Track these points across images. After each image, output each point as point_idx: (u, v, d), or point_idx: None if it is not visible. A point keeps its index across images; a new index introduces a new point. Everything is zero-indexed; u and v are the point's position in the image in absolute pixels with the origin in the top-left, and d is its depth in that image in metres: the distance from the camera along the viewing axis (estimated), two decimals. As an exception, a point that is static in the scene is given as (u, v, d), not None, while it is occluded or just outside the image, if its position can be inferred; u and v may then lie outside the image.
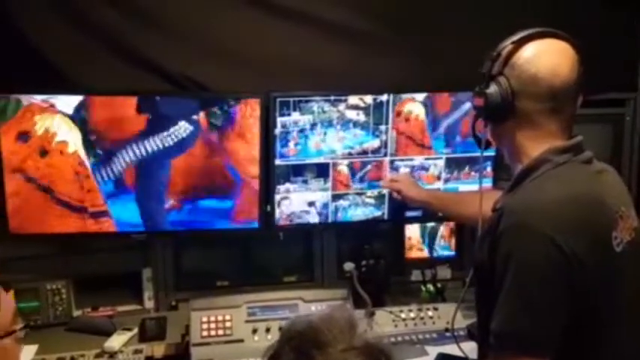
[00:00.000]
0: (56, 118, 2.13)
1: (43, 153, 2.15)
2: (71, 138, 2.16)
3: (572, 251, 1.24)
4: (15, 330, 1.19)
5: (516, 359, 1.26)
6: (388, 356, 1.04)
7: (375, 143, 2.37)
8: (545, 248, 1.24)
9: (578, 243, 1.25)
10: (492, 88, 1.38)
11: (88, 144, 2.16)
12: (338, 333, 1.02)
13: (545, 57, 1.35)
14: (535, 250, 1.25)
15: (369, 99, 2.32)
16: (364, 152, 2.37)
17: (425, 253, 2.62)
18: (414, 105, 2.37)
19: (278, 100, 2.24)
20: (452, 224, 2.63)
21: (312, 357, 1.00)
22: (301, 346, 1.02)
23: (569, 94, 1.37)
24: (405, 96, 2.35)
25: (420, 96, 2.36)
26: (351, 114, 2.32)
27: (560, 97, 1.35)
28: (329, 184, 2.37)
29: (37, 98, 2.11)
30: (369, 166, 2.38)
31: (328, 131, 2.31)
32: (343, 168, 2.37)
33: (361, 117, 2.33)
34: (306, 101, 2.27)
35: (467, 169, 2.45)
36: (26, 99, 2.10)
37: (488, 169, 2.45)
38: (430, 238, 2.63)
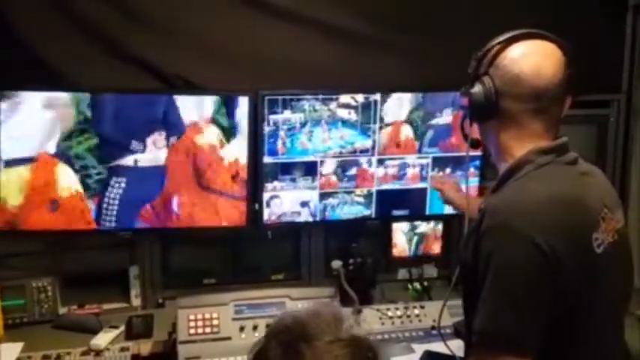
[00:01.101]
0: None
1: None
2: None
3: (552, 251, 1.25)
4: None
5: (498, 358, 1.27)
6: (375, 350, 1.06)
7: (367, 143, 2.38)
8: (526, 249, 1.25)
9: (558, 243, 1.26)
10: (477, 88, 1.39)
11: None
12: (325, 326, 1.04)
13: (530, 58, 1.36)
14: (516, 250, 1.26)
15: (360, 98, 2.33)
16: (354, 151, 2.38)
17: (411, 252, 2.64)
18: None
19: (267, 98, 2.25)
20: (436, 223, 2.65)
21: (299, 351, 1.01)
22: (289, 340, 1.04)
23: (555, 95, 1.37)
24: (392, 98, 2.36)
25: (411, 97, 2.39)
26: (343, 113, 2.33)
27: (544, 98, 1.36)
28: (317, 183, 2.38)
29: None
30: (355, 167, 2.40)
31: (320, 130, 2.32)
32: (329, 167, 2.38)
33: (352, 116, 2.34)
34: (298, 100, 2.28)
35: (448, 169, 2.48)
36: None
37: (472, 169, 2.47)
38: (417, 237, 2.64)
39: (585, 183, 1.40)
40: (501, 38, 1.39)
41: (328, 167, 2.38)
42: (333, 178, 2.39)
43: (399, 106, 2.38)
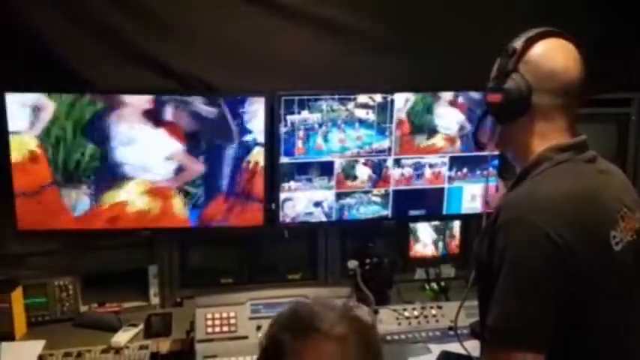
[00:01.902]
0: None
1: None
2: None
3: (565, 242, 1.25)
4: None
5: (512, 354, 1.26)
6: (378, 337, 1.15)
7: (385, 144, 2.38)
8: (539, 241, 1.25)
9: (570, 235, 1.25)
10: (509, 84, 1.39)
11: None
12: (331, 314, 1.09)
13: (558, 54, 1.38)
14: (529, 242, 1.26)
15: (378, 97, 2.33)
16: (372, 152, 2.38)
17: (429, 252, 2.63)
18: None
19: (283, 98, 2.26)
20: (456, 223, 2.63)
21: (307, 336, 1.06)
22: (297, 327, 1.08)
23: (577, 91, 1.39)
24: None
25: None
26: (360, 112, 2.34)
27: (570, 93, 1.38)
28: (333, 183, 2.38)
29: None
30: (380, 169, 2.41)
31: (336, 130, 2.33)
32: (363, 173, 2.39)
33: (370, 116, 2.34)
34: (315, 100, 2.29)
35: (465, 170, 2.46)
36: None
37: (490, 169, 2.45)
38: (434, 237, 2.63)
39: (603, 181, 1.40)
40: (526, 36, 1.40)
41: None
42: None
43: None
